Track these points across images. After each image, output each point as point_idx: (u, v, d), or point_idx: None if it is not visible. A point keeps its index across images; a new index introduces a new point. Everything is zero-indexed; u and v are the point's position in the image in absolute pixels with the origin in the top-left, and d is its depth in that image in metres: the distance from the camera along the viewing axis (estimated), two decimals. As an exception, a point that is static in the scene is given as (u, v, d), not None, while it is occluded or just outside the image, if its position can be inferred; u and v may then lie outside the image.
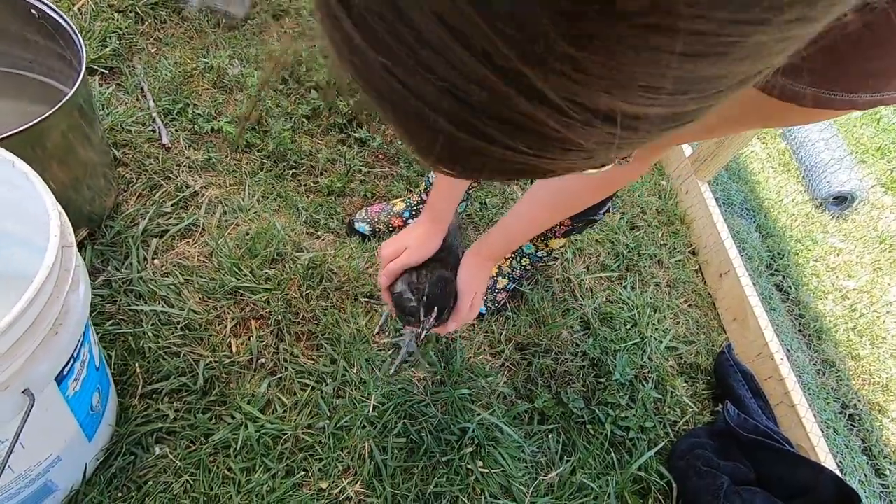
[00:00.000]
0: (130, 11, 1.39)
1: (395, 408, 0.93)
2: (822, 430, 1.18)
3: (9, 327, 0.44)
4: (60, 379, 0.56)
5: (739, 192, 1.99)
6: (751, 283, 1.44)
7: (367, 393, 0.93)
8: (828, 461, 1.11)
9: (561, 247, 1.19)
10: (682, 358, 1.31)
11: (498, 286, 1.21)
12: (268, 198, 1.20)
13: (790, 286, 1.75)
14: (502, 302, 1.22)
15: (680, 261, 1.57)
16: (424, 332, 0.75)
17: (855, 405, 1.47)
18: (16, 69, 0.95)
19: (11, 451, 0.50)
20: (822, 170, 2.11)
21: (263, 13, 1.60)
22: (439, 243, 0.82)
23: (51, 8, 0.83)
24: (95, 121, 0.89)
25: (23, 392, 0.49)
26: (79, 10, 1.32)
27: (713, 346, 1.38)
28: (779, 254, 1.85)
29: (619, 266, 1.47)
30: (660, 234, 1.62)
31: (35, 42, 0.90)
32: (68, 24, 0.82)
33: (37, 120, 0.71)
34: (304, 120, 1.40)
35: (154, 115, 1.23)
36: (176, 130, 1.23)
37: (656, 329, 1.34)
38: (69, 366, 0.56)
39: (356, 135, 1.44)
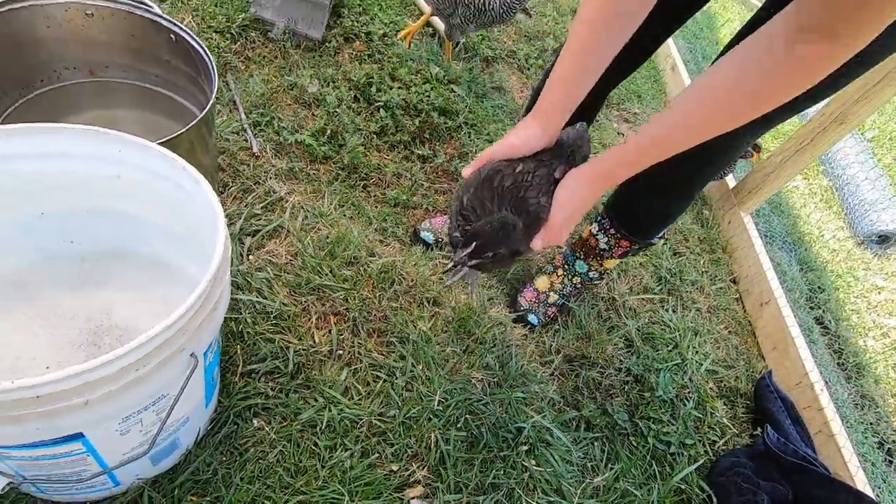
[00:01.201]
0: (227, 32, 1.55)
1: (458, 404, 1.01)
2: (859, 462, 1.22)
3: (197, 300, 0.55)
4: (206, 349, 0.66)
5: (781, 225, 2.03)
6: (791, 313, 1.48)
7: (433, 388, 1.02)
8: (866, 491, 1.15)
9: (614, 268, 1.25)
10: (721, 381, 1.36)
11: (549, 300, 1.30)
12: (343, 205, 1.31)
13: (830, 320, 1.78)
14: (552, 316, 1.30)
15: (721, 288, 1.63)
16: (455, 264, 0.71)
17: (894, 441, 1.49)
18: (143, 83, 1.09)
19: (175, 405, 0.60)
20: (866, 208, 2.13)
21: (338, 36, 1.75)
22: (543, 142, 0.75)
23: (188, 34, 0.97)
24: (213, 131, 1.02)
25: (190, 355, 0.60)
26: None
27: (753, 372, 1.43)
28: (819, 288, 1.88)
29: (661, 289, 1.53)
30: (701, 262, 1.68)
31: (167, 61, 1.04)
32: (203, 50, 0.96)
33: (181, 131, 0.84)
34: (373, 136, 1.52)
35: (245, 126, 1.37)
36: (264, 140, 1.37)
37: (697, 352, 1.39)
38: (214, 337, 0.67)
39: (419, 152, 1.56)
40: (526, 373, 1.14)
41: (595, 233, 1.22)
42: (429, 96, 1.64)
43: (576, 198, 0.73)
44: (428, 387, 1.02)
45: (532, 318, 1.28)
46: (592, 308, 1.38)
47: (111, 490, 0.73)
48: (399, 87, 1.64)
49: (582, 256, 1.27)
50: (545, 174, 0.74)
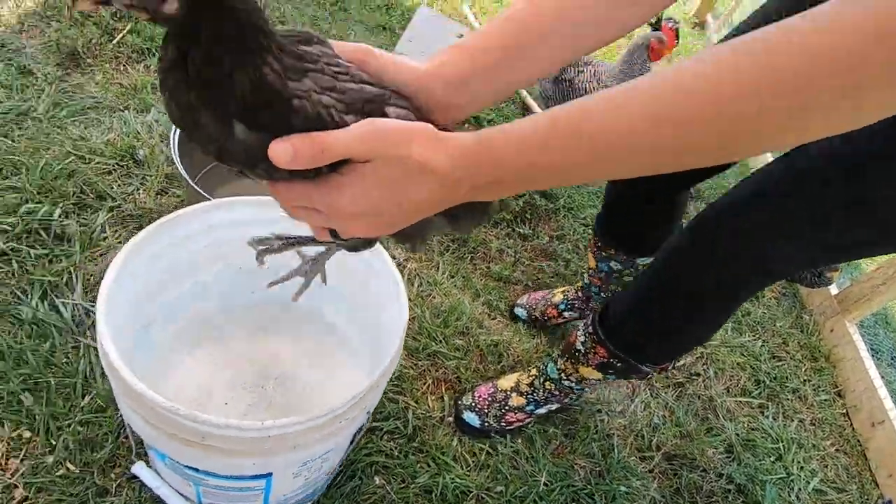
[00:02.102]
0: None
1: (562, 489, 1.02)
2: None
3: (390, 365, 0.63)
4: (369, 407, 0.73)
5: (888, 339, 1.92)
6: (910, 439, 1.38)
7: (538, 468, 1.03)
8: None
9: (596, 380, 0.98)
10: (832, 504, 1.27)
11: (510, 403, 1.06)
12: (454, 276, 1.40)
13: (949, 452, 1.63)
14: (514, 424, 1.06)
15: (825, 400, 1.55)
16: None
17: None
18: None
19: (339, 454, 0.67)
20: (984, 330, 1.99)
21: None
22: (413, 80, 0.45)
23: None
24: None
25: (367, 412, 0.67)
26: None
27: (867, 499, 1.32)
28: (934, 413, 1.73)
29: (759, 393, 1.48)
30: (803, 370, 1.61)
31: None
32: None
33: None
34: (480, 212, 1.63)
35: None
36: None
37: (802, 468, 1.32)
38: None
39: (520, 230, 1.65)
40: (627, 466, 1.13)
41: (578, 326, 0.99)
42: (533, 180, 1.75)
43: (408, 166, 0.38)
44: (533, 465, 1.04)
45: (469, 417, 1.04)
46: (690, 405, 1.35)
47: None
48: (506, 169, 1.76)
49: (558, 354, 1.04)
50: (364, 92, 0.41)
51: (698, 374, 1.44)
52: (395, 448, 0.97)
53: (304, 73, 0.38)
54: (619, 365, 0.92)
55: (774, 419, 1.42)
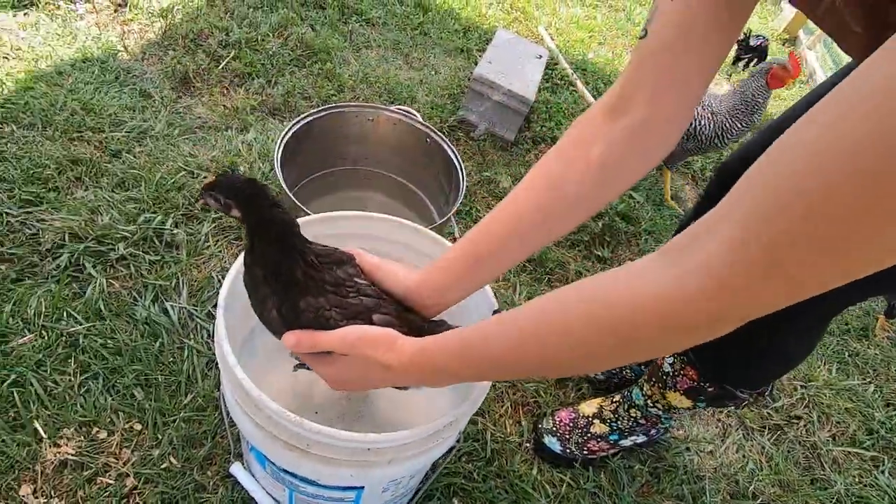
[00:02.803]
0: (440, 130, 1.79)
1: (649, 532, 0.95)
2: None
3: (486, 384, 0.62)
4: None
5: None
6: None
7: None
8: None
9: (685, 409, 0.93)
10: (968, 583, 1.10)
11: (592, 430, 1.01)
12: (531, 297, 1.37)
13: None
14: (597, 454, 1.02)
15: (955, 459, 1.35)
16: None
17: None
18: (390, 173, 1.30)
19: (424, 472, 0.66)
20: None
21: (527, 139, 1.92)
22: (410, 293, 0.62)
23: (444, 141, 1.15)
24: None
25: (460, 433, 0.66)
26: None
27: None
28: None
29: (873, 445, 1.32)
30: (925, 421, 1.42)
31: (416, 159, 1.23)
32: (453, 154, 1.12)
33: (439, 222, 0.97)
34: (557, 233, 1.60)
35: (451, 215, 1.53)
36: (463, 228, 1.51)
37: (928, 535, 1.15)
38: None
39: (598, 252, 1.59)
40: (721, 513, 1.04)
41: None
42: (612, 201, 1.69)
43: (371, 363, 0.53)
44: (616, 502, 0.98)
45: (550, 441, 1.00)
46: (789, 451, 1.23)
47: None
48: (584, 190, 1.72)
49: (644, 379, 0.98)
50: (374, 303, 0.58)
51: (799, 418, 1.31)
52: (474, 471, 0.95)
53: (325, 292, 0.55)
54: (710, 390, 0.85)
55: (892, 476, 1.25)
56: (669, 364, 0.90)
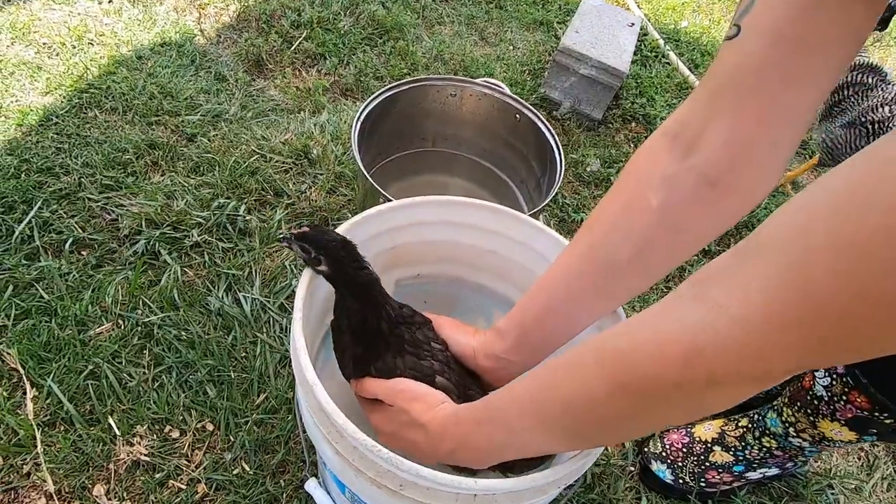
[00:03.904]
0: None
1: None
2: None
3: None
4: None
5: None
6: None
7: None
8: None
9: (846, 443, 0.74)
10: None
11: (712, 458, 0.85)
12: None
13: None
14: (717, 487, 0.85)
15: None
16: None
17: None
18: (472, 155, 1.17)
19: None
20: None
21: (616, 117, 1.72)
22: (482, 359, 0.60)
23: (536, 116, 1.00)
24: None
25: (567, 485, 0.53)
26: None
27: None
28: None
29: None
30: None
31: (503, 138, 1.10)
32: (549, 131, 0.98)
33: (536, 209, 0.84)
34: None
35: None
36: (548, 216, 1.36)
37: None
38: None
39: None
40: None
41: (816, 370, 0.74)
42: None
43: (407, 418, 0.52)
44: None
45: (659, 468, 0.86)
46: None
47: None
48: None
49: (783, 402, 0.80)
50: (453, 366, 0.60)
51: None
52: (573, 498, 0.82)
53: (403, 353, 0.56)
54: (887, 421, 0.66)
55: None
56: (825, 387, 0.72)
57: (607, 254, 0.49)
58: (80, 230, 1.03)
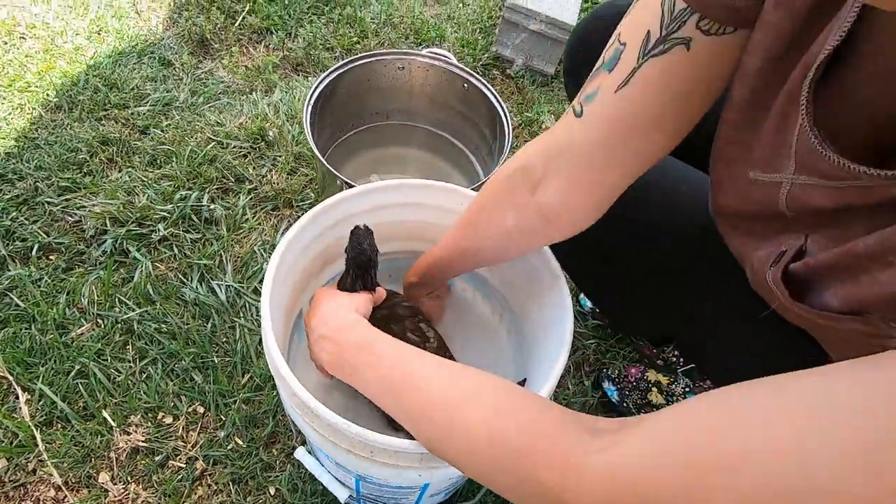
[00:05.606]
0: (473, 69, 1.64)
1: None
2: None
3: (556, 379, 0.56)
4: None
5: None
6: None
7: None
8: None
9: None
10: None
11: (649, 397, 0.94)
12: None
13: None
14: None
15: None
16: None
17: None
18: (428, 126, 1.20)
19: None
20: None
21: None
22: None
23: (483, 84, 1.03)
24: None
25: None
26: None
27: None
28: None
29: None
30: None
31: (453, 108, 1.12)
32: (495, 98, 1.01)
33: (484, 180, 0.88)
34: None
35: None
36: (508, 177, 1.41)
37: None
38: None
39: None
40: None
41: None
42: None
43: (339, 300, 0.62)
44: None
45: (609, 387, 0.96)
46: None
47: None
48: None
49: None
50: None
51: None
52: None
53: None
54: None
55: None
56: None
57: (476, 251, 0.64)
58: (44, 235, 1.04)
